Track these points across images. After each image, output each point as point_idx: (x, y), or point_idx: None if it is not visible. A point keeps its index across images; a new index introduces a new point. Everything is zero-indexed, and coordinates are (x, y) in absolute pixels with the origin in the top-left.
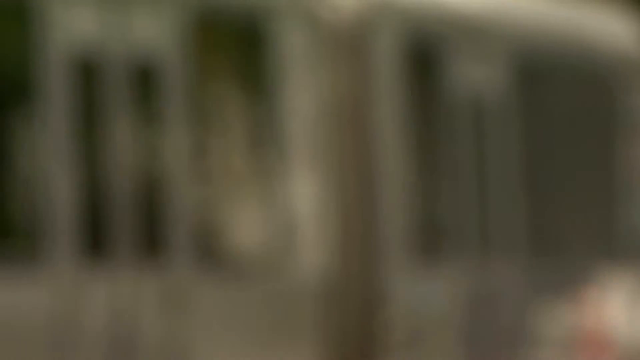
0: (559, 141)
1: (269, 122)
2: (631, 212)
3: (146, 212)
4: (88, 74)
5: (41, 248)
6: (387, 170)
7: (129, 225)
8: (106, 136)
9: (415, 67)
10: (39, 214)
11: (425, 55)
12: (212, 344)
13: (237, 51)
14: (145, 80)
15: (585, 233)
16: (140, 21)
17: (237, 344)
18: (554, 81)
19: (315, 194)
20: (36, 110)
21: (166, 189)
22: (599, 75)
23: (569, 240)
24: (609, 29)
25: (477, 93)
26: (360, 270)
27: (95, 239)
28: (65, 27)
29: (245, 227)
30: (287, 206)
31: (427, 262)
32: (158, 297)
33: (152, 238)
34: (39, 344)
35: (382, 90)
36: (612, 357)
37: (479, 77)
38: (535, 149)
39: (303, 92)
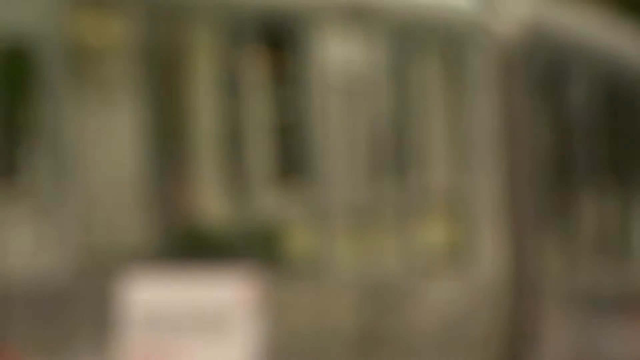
0: None
1: (455, 132)
2: None
3: None
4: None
5: None
6: (538, 177)
7: None
8: None
9: (547, 85)
10: None
11: (552, 74)
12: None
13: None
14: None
15: None
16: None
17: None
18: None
19: (491, 196)
20: None
21: None
22: None
23: None
24: None
25: (584, 107)
26: (523, 267)
27: None
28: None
29: (435, 228)
30: (469, 208)
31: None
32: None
33: None
34: None
35: (532, 105)
36: None
37: (583, 93)
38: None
39: (479, 107)
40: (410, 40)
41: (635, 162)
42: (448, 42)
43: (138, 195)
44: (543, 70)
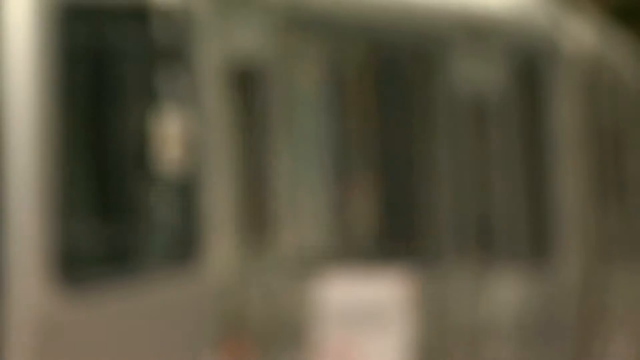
0: None
1: (541, 139)
2: None
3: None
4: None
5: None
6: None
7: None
8: None
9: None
10: None
11: (595, 90)
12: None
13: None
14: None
15: None
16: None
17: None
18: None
19: (563, 201)
20: None
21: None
22: None
23: None
24: None
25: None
26: (594, 266)
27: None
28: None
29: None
30: (552, 205)
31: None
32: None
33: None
34: None
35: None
36: None
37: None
38: None
39: (563, 118)
40: (515, 59)
41: None
42: (529, 58)
43: (328, 205)
44: (594, 87)
